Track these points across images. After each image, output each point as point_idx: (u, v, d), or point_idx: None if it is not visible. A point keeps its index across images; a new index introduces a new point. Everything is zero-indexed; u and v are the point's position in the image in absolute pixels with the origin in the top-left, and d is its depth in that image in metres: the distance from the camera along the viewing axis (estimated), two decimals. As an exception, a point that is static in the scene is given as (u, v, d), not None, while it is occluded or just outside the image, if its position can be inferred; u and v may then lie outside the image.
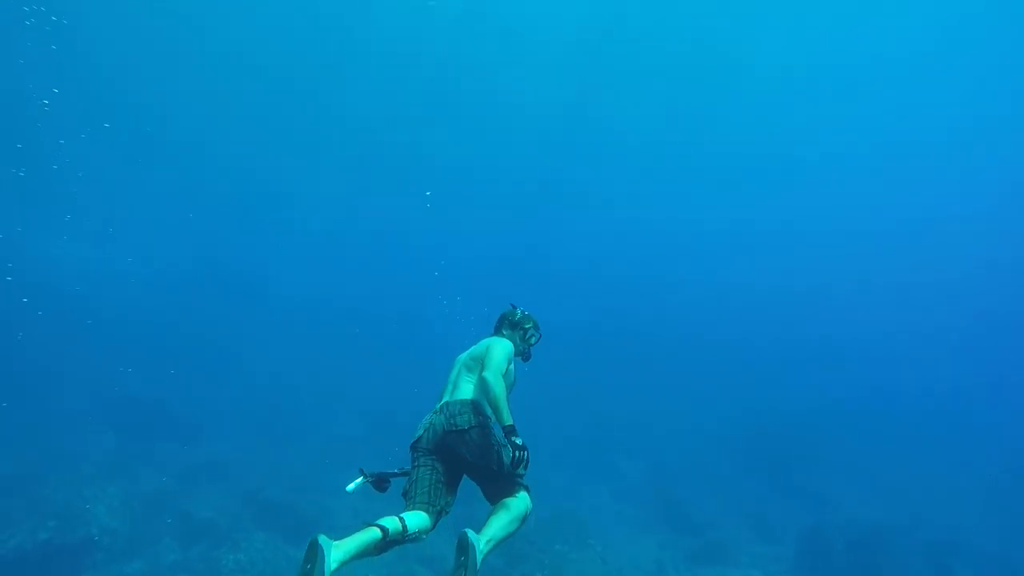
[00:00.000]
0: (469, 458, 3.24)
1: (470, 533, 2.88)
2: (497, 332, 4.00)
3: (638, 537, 14.44)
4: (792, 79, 28.22)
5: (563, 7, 23.76)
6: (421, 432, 3.37)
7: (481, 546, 2.92)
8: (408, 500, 3.19)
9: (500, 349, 3.57)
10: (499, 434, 3.26)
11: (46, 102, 23.55)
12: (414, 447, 3.39)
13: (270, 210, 36.43)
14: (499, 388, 3.26)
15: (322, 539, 2.66)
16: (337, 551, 2.69)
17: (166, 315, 27.53)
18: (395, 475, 3.47)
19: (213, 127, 29.99)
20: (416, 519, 3.03)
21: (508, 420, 3.14)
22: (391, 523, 2.90)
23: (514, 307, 4.12)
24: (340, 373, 22.80)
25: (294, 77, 27.47)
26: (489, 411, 3.35)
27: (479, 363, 3.53)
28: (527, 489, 3.29)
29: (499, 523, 3.11)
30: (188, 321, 27.84)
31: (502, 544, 3.12)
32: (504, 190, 36.78)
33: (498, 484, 3.26)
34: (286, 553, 10.25)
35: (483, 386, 3.35)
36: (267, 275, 34.75)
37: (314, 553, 2.61)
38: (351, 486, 3.40)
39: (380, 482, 3.43)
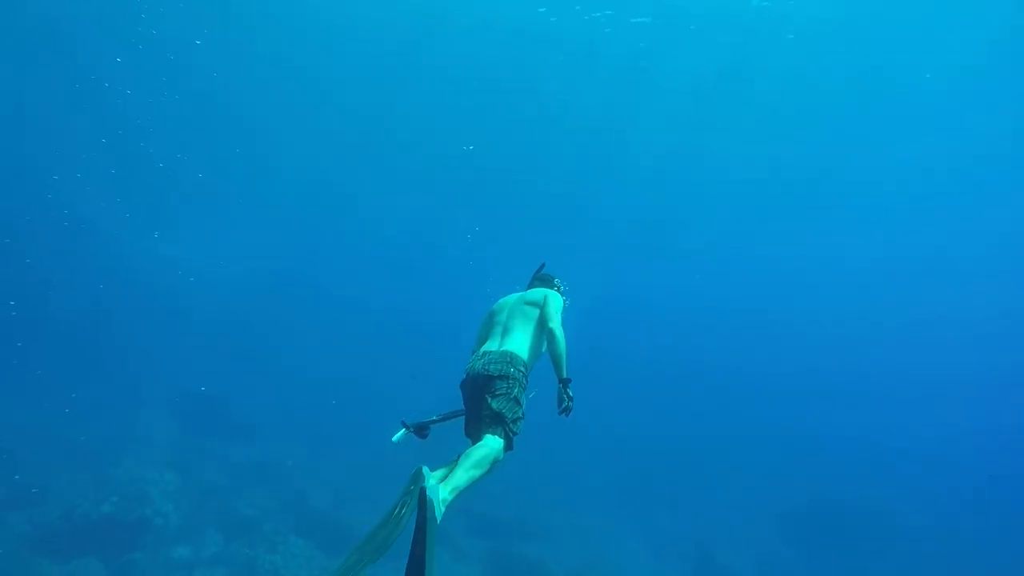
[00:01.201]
0: (485, 396, 3.35)
1: (430, 487, 2.73)
2: (532, 287, 4.12)
3: (672, 596, 13.89)
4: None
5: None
6: (467, 370, 3.55)
7: (444, 495, 2.84)
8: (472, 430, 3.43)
9: (559, 302, 3.75)
10: (520, 391, 3.40)
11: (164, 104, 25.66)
12: (461, 386, 3.58)
13: (342, 220, 37.68)
14: (565, 342, 3.47)
15: (424, 468, 2.94)
16: (433, 478, 2.93)
17: (239, 315, 29.01)
18: (434, 422, 3.65)
19: (289, 140, 31.52)
20: None
21: (566, 373, 3.37)
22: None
23: (544, 265, 4.32)
24: (396, 385, 23.22)
25: (366, 101, 28.56)
26: (527, 363, 3.52)
27: (535, 308, 3.68)
28: (511, 444, 3.31)
29: (471, 462, 3.07)
30: (259, 322, 29.26)
31: (466, 491, 3.04)
32: (564, 218, 36.66)
33: (490, 424, 3.28)
34: (320, 563, 10.50)
35: (551, 338, 3.51)
36: (335, 282, 36.15)
37: (419, 476, 2.86)
38: (396, 437, 3.60)
39: (420, 430, 3.62)
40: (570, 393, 3.31)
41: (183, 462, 13.64)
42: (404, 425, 3.61)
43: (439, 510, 2.73)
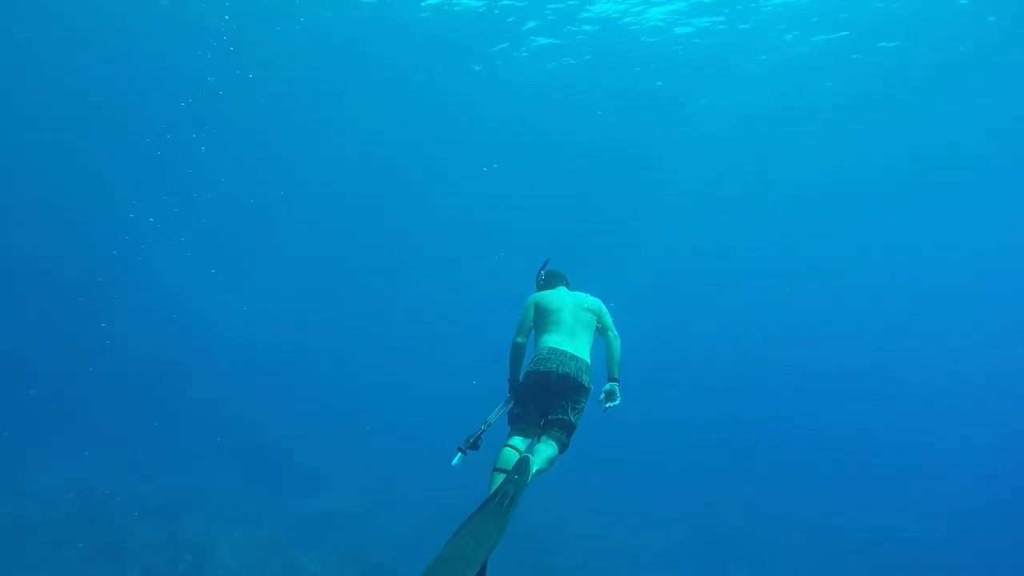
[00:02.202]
0: (566, 403, 3.68)
1: (532, 459, 3.31)
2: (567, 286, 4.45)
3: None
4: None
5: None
6: (554, 367, 3.70)
7: (534, 470, 3.31)
8: (524, 429, 3.71)
9: (608, 310, 4.22)
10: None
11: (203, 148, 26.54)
12: (537, 376, 3.73)
13: (391, 256, 38.05)
14: (621, 347, 4.08)
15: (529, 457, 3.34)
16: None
17: (294, 361, 29.55)
18: (484, 431, 3.74)
19: (335, 175, 32.07)
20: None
21: (619, 374, 3.94)
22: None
23: (549, 261, 4.69)
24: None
25: (415, 141, 28.97)
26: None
27: (593, 316, 4.07)
28: (566, 448, 3.70)
29: (544, 457, 3.44)
30: (315, 367, 29.69)
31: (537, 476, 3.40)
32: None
33: (560, 430, 3.66)
34: (386, 619, 10.27)
35: (614, 343, 4.05)
36: (394, 323, 36.33)
37: (524, 465, 3.25)
38: (454, 461, 3.68)
39: (474, 445, 3.69)
40: (618, 390, 3.85)
41: (248, 515, 13.77)
42: (460, 450, 3.69)
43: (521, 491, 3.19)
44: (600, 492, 19.38)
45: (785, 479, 23.92)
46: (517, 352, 3.99)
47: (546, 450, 3.49)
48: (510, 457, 3.41)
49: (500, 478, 3.29)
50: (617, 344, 4.04)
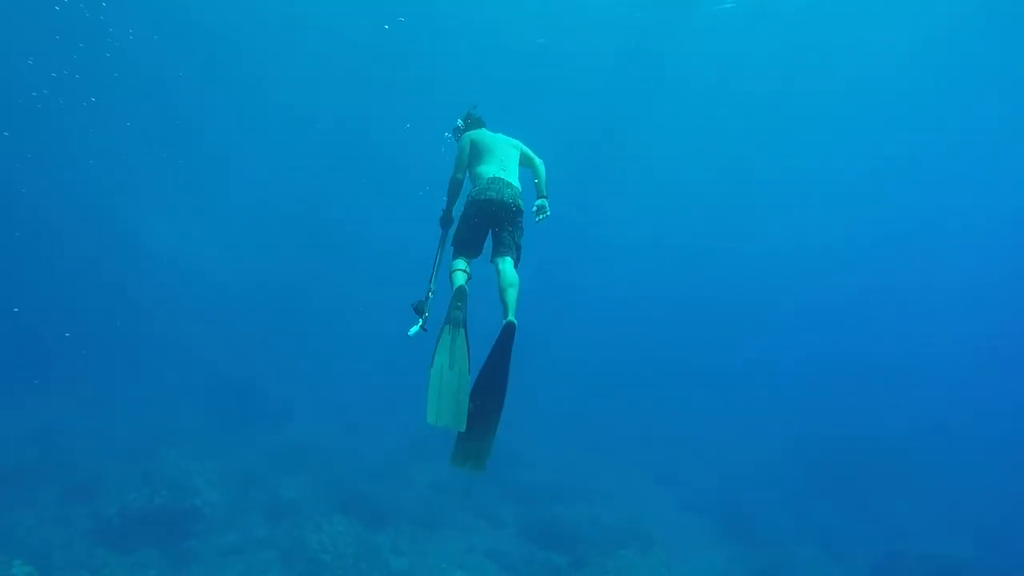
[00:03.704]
0: (509, 227, 4.18)
1: (514, 320, 3.67)
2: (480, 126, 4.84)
3: (704, 549, 14.35)
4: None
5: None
6: (494, 196, 4.15)
7: (511, 290, 3.84)
8: (468, 251, 4.17)
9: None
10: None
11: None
12: (480, 204, 4.14)
13: (368, 171, 37.13)
14: (546, 170, 4.65)
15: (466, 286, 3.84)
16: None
17: (260, 301, 29.32)
18: (430, 297, 4.12)
19: (316, 94, 30.85)
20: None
21: (547, 191, 4.52)
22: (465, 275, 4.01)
23: (476, 106, 5.01)
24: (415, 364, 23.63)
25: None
26: None
27: (517, 150, 4.57)
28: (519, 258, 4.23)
29: (513, 297, 3.85)
30: (281, 307, 29.56)
31: None
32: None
33: (510, 248, 4.16)
34: (367, 539, 10.91)
35: (540, 168, 4.61)
36: (355, 253, 35.88)
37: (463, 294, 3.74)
38: (412, 331, 3.96)
39: (421, 311, 4.02)
40: (547, 205, 4.41)
41: (221, 450, 14.10)
42: (415, 309, 4.01)
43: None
44: (561, 413, 20.47)
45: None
46: (456, 187, 4.42)
47: (507, 266, 4.00)
48: (460, 265, 4.02)
49: (459, 275, 3.93)
50: (542, 167, 4.62)
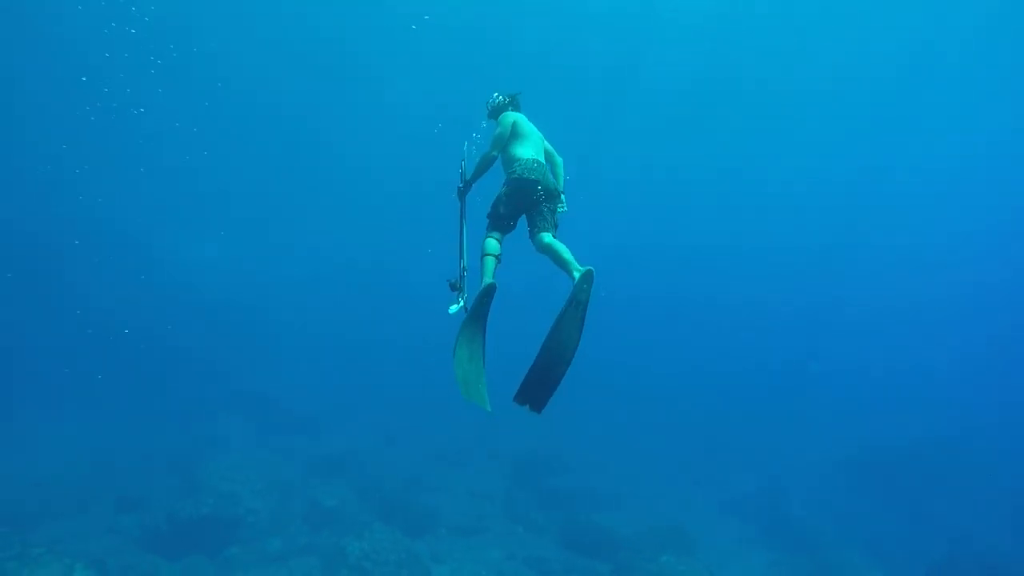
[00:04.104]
0: (548, 205, 4.27)
1: (589, 270, 3.79)
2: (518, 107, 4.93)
3: (746, 553, 14.05)
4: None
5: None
6: (539, 177, 4.25)
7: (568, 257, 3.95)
8: (504, 227, 4.27)
9: None
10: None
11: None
12: (523, 183, 4.21)
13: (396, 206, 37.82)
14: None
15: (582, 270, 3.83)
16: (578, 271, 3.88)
17: (292, 318, 29.79)
18: (464, 275, 4.16)
19: (343, 127, 31.53)
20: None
21: (563, 187, 4.68)
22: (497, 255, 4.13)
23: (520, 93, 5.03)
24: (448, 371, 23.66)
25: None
26: None
27: (544, 142, 4.67)
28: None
29: (570, 253, 3.98)
30: (310, 323, 29.99)
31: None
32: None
33: (550, 224, 4.22)
34: (406, 545, 10.94)
35: (559, 163, 4.76)
36: (381, 277, 36.35)
37: (587, 275, 3.75)
38: (453, 309, 4.03)
39: (459, 287, 4.11)
40: (564, 198, 4.58)
41: (261, 461, 14.27)
42: (451, 287, 4.08)
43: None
44: (600, 418, 20.31)
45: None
46: (488, 163, 4.44)
47: (551, 237, 4.12)
48: (494, 246, 4.10)
49: (491, 261, 4.01)
50: (561, 164, 4.79)
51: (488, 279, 3.91)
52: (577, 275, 3.73)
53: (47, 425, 15.74)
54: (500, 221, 4.24)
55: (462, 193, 4.53)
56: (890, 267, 36.57)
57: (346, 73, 27.74)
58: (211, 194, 32.91)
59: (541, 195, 4.22)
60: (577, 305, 3.71)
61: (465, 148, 4.82)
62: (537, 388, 3.67)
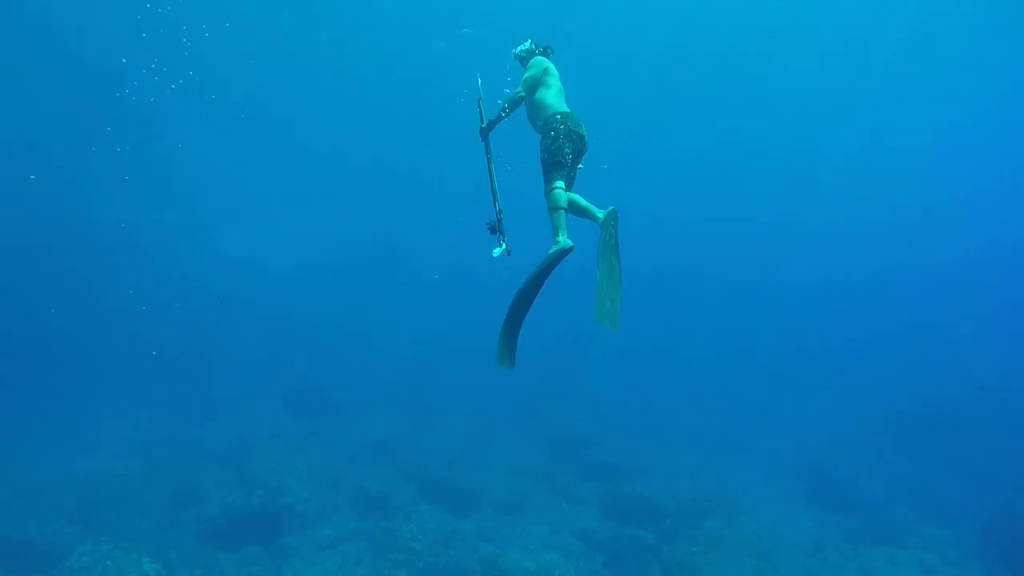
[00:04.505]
0: (579, 161, 4.31)
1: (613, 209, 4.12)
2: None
3: (793, 516, 13.98)
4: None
5: None
6: (584, 131, 4.21)
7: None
8: (564, 177, 4.12)
9: None
10: None
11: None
12: (573, 136, 4.14)
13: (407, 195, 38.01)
14: None
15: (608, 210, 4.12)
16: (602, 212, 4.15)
17: (323, 306, 30.29)
18: (500, 217, 4.10)
19: (342, 126, 31.68)
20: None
21: None
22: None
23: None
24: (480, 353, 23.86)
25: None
26: None
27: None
28: None
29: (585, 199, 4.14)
30: (341, 311, 30.46)
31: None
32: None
33: (573, 180, 4.29)
34: (452, 525, 11.15)
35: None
36: (406, 262, 36.83)
37: (612, 215, 4.05)
38: (496, 252, 4.01)
39: (498, 229, 4.07)
40: None
41: (306, 450, 14.63)
42: (491, 230, 4.05)
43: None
44: (635, 393, 20.30)
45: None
46: (516, 104, 4.33)
47: (571, 192, 4.15)
48: (562, 197, 3.99)
49: (562, 216, 3.92)
50: None
51: (564, 238, 3.78)
52: (602, 215, 4.01)
53: (105, 425, 16.36)
54: (562, 170, 4.05)
55: (485, 133, 4.36)
56: (921, 229, 35.55)
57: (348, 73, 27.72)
58: (242, 190, 33.48)
59: (580, 151, 4.21)
60: (609, 239, 4.02)
61: (479, 84, 4.66)
62: (607, 306, 3.86)
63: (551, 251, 3.72)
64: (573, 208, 4.03)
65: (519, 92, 4.29)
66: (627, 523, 12.65)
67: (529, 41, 4.79)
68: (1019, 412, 16.91)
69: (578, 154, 4.21)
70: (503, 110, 4.31)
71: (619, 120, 29.43)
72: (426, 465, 14.29)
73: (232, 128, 29.02)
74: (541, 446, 16.61)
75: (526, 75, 4.36)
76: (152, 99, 24.77)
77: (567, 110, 4.23)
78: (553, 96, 4.28)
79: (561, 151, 4.02)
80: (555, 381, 20.78)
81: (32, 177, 23.79)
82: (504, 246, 3.96)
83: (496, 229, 4.01)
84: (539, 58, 4.49)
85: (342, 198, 36.33)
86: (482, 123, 4.33)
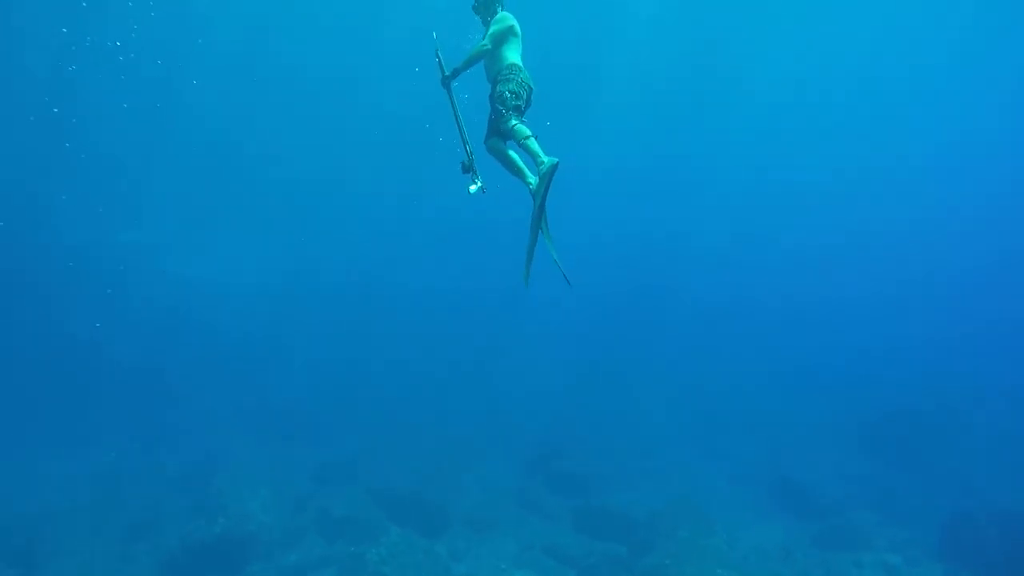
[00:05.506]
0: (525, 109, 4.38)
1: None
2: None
3: (760, 522, 14.13)
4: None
5: None
6: (534, 87, 4.42)
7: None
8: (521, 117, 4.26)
9: None
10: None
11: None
12: (528, 89, 4.36)
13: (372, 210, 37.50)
14: None
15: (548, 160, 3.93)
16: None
17: (285, 326, 29.56)
18: (472, 157, 4.25)
19: (301, 145, 31.43)
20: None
21: None
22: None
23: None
24: (447, 368, 23.60)
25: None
26: None
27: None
28: None
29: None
30: (303, 330, 29.75)
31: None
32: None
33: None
34: (423, 546, 10.91)
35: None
36: (368, 282, 36.30)
37: (551, 166, 3.86)
38: (473, 190, 4.16)
39: (471, 168, 4.23)
40: None
41: (269, 474, 14.13)
42: (464, 169, 4.19)
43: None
44: (601, 404, 20.36)
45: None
46: (481, 56, 4.44)
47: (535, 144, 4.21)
48: (526, 129, 4.08)
49: (533, 142, 3.99)
50: None
51: (545, 156, 3.91)
52: (552, 162, 3.87)
53: (48, 454, 15.52)
54: (520, 114, 4.25)
55: (448, 82, 4.49)
56: (882, 238, 36.96)
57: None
58: (201, 210, 32.55)
59: (528, 105, 4.39)
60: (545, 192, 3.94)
61: (435, 38, 4.75)
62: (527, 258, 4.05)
63: (542, 171, 3.88)
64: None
65: (484, 45, 4.41)
66: (598, 537, 12.60)
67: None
68: (975, 416, 17.59)
69: (526, 106, 4.37)
70: (469, 62, 4.43)
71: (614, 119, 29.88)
72: (394, 484, 13.95)
73: (190, 149, 28.36)
74: (511, 460, 16.47)
75: (493, 29, 4.49)
76: (110, 118, 24.15)
77: (520, 64, 4.43)
78: (514, 53, 4.48)
79: (519, 96, 4.25)
80: (522, 392, 20.77)
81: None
82: (480, 184, 4.14)
83: (469, 168, 4.18)
84: (505, 13, 4.60)
85: (305, 217, 35.76)
86: (444, 72, 4.47)
